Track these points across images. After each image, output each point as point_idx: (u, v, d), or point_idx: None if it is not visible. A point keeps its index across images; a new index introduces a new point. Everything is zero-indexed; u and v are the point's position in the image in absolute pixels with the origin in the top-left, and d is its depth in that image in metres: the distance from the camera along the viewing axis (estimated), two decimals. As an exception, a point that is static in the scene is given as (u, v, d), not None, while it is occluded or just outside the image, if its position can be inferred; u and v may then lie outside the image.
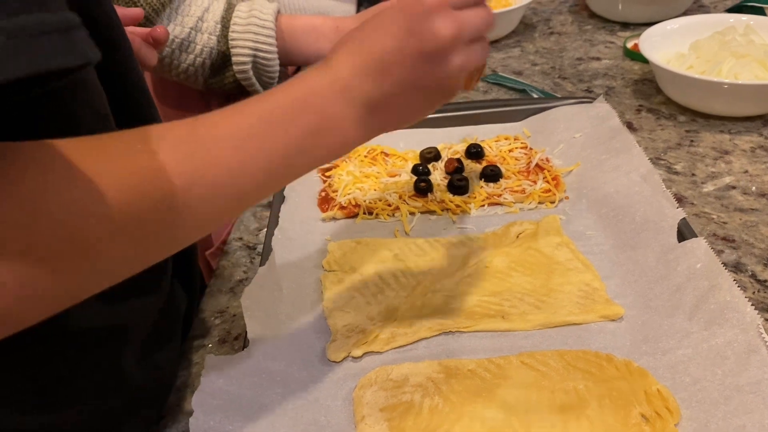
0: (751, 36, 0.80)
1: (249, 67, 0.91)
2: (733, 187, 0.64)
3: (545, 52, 0.97)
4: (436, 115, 0.77)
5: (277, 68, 0.93)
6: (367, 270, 0.57)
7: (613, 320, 0.51)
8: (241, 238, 0.65)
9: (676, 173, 0.68)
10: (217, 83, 0.93)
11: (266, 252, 0.56)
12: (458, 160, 0.69)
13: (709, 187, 0.65)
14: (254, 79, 0.92)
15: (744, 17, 0.83)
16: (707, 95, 0.74)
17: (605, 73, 0.89)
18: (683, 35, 0.84)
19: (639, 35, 0.96)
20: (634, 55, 0.92)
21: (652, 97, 0.82)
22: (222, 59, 0.90)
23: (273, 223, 0.61)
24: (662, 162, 0.69)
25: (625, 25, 1.03)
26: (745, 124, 0.74)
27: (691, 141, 0.72)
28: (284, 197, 0.64)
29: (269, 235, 0.59)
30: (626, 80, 0.87)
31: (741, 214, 0.61)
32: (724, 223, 0.60)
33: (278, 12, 0.93)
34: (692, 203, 0.63)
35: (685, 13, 1.02)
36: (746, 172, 0.66)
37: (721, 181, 0.66)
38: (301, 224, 0.63)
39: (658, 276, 0.53)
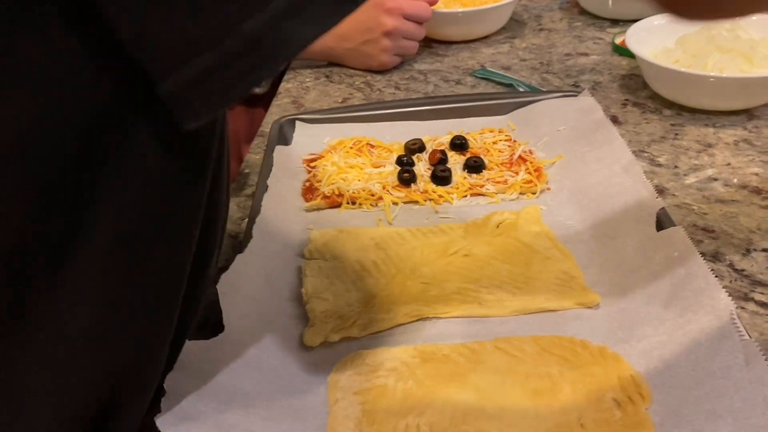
0: (737, 31, 0.80)
1: (238, 60, 0.91)
2: (715, 179, 0.65)
3: (534, 48, 0.97)
4: (422, 107, 0.77)
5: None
6: (347, 257, 0.57)
7: (590, 307, 0.51)
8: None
9: (659, 165, 0.68)
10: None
11: (246, 239, 0.56)
12: (442, 152, 0.69)
13: (691, 179, 0.65)
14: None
15: (730, 12, 0.83)
16: (693, 89, 0.74)
17: (593, 68, 0.89)
18: (670, 30, 0.84)
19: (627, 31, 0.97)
20: (622, 51, 0.92)
21: (638, 92, 0.82)
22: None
23: (255, 211, 0.61)
24: (645, 154, 0.70)
25: (615, 22, 1.03)
26: (730, 118, 0.74)
27: (676, 134, 0.73)
28: (267, 186, 0.65)
29: (250, 223, 0.59)
30: (613, 75, 0.87)
31: (721, 206, 0.61)
32: (705, 214, 0.60)
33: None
34: (673, 194, 0.63)
35: (674, 10, 1.02)
36: (729, 164, 0.67)
37: (703, 173, 0.66)
38: (284, 213, 0.64)
39: (635, 265, 0.53)
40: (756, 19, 0.81)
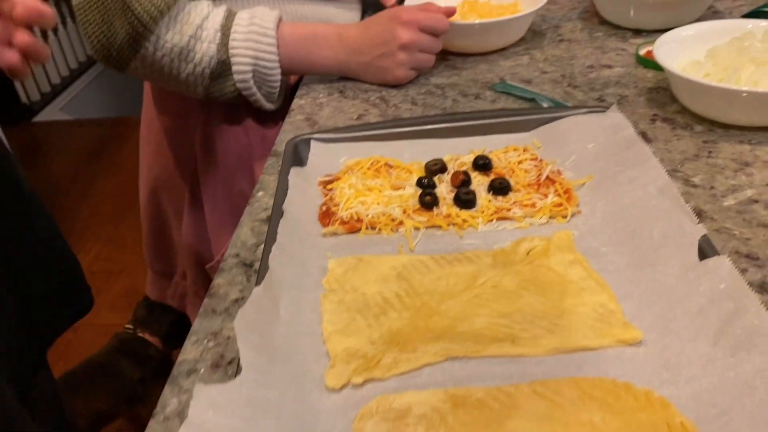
0: (770, 42, 0.77)
1: (250, 76, 0.88)
2: (756, 201, 0.61)
3: (555, 60, 0.94)
4: (442, 125, 0.74)
5: (279, 77, 0.91)
6: (368, 289, 0.54)
7: (631, 345, 0.47)
8: (237, 255, 0.62)
9: (695, 186, 0.64)
10: (218, 92, 0.91)
11: (263, 270, 0.53)
12: (465, 173, 0.66)
13: (729, 201, 0.62)
14: (255, 89, 0.90)
15: (763, 23, 0.80)
16: (725, 104, 0.71)
17: (617, 81, 0.86)
18: (699, 42, 0.80)
19: (652, 42, 0.93)
20: (648, 63, 0.89)
21: (667, 106, 0.79)
22: (222, 68, 0.88)
23: (271, 239, 0.58)
24: (679, 174, 0.66)
25: (637, 32, 1.00)
26: (766, 135, 0.70)
27: (710, 152, 0.69)
28: (283, 212, 0.61)
29: (266, 251, 0.56)
30: (639, 89, 0.83)
31: (765, 230, 0.57)
32: (747, 239, 0.57)
33: (280, 19, 0.90)
34: (712, 218, 0.60)
35: (699, 20, 0.99)
36: (767, 185, 0.63)
37: (742, 194, 0.62)
38: (301, 240, 0.60)
39: (678, 297, 0.49)
40: (791, 29, 0.78)
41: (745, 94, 0.69)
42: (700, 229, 0.53)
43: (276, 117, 0.99)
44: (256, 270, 0.60)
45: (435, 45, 0.91)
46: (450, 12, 0.91)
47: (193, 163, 1.05)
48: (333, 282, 0.56)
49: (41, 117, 3.18)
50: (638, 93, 0.82)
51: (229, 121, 1.00)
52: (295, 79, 1.03)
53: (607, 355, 0.47)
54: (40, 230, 0.92)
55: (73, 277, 0.98)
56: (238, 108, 0.98)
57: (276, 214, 0.61)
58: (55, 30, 3.17)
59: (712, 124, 0.73)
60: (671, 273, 0.51)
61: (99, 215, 2.68)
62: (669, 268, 0.52)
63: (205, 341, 0.52)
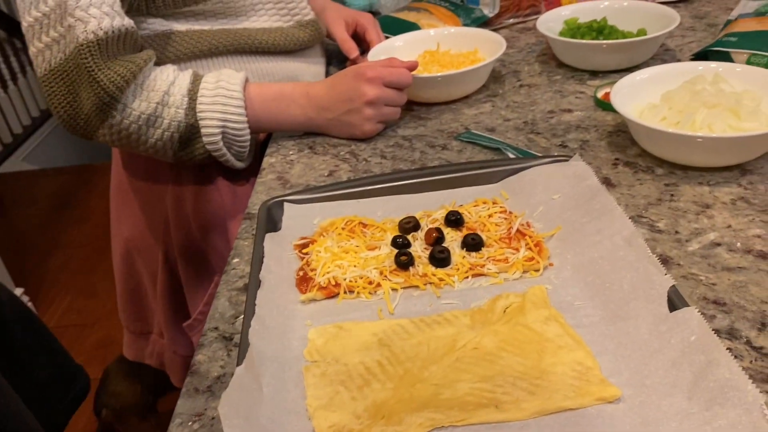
0: (720, 84, 0.80)
1: (219, 138, 0.89)
2: (718, 244, 0.63)
3: (516, 106, 0.96)
4: (412, 180, 0.76)
5: (248, 138, 0.92)
6: (350, 359, 0.55)
7: (610, 402, 0.49)
8: (216, 328, 0.62)
9: (659, 231, 0.66)
10: (187, 156, 0.91)
11: (243, 347, 0.54)
12: (438, 230, 0.67)
13: (694, 246, 0.64)
14: (225, 150, 0.91)
15: (713, 65, 0.83)
16: (683, 148, 0.74)
17: (578, 126, 0.89)
18: (654, 85, 0.84)
19: (609, 84, 0.97)
20: (606, 106, 0.92)
21: (627, 150, 0.81)
22: (191, 132, 0.88)
23: (249, 311, 0.58)
24: (644, 220, 0.68)
25: (594, 74, 1.03)
26: (724, 175, 0.73)
27: (671, 195, 0.71)
28: (260, 281, 0.62)
29: (246, 326, 0.56)
30: (600, 132, 0.86)
31: (729, 274, 0.60)
32: (713, 284, 0.59)
33: (246, 81, 0.91)
34: (679, 264, 0.62)
35: (652, 59, 1.03)
36: (729, 226, 0.65)
37: (705, 237, 0.65)
38: (279, 309, 0.61)
39: (651, 350, 0.51)
40: (739, 70, 0.82)
41: (699, 140, 0.72)
42: (668, 280, 0.55)
43: (247, 174, 1.00)
44: (236, 344, 0.60)
45: (400, 98, 0.93)
46: (412, 66, 0.93)
47: (166, 224, 1.04)
48: (314, 353, 0.56)
49: (4, 168, 3.13)
50: (599, 137, 0.85)
51: (199, 181, 1.00)
52: (264, 136, 1.04)
53: (588, 414, 0.48)
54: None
55: (62, 363, 0.98)
56: (208, 167, 0.98)
57: (253, 284, 0.62)
58: (14, 79, 3.14)
59: (672, 166, 0.76)
60: (643, 326, 0.53)
61: (69, 266, 2.64)
62: (641, 321, 0.53)
63: (190, 423, 0.52)
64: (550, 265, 0.63)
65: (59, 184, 3.24)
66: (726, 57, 0.92)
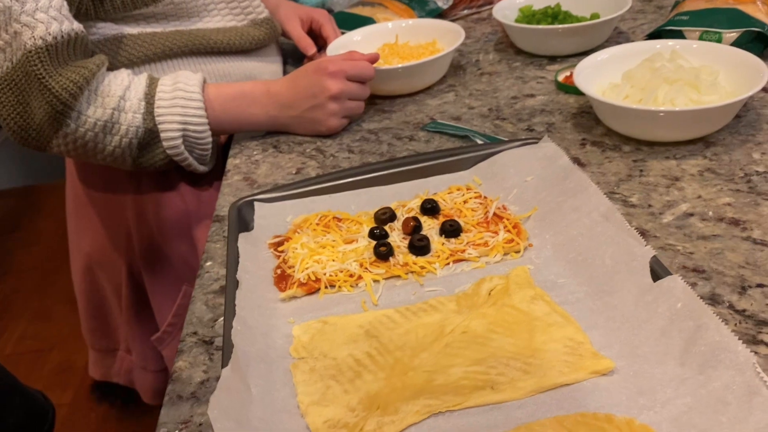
0: (678, 61, 0.81)
1: (180, 141, 0.86)
2: (691, 215, 0.64)
3: (479, 94, 0.97)
4: (383, 172, 0.75)
5: (210, 139, 0.89)
6: (339, 353, 0.53)
7: (605, 375, 0.48)
8: (195, 333, 0.60)
9: (633, 206, 0.67)
10: (147, 162, 0.88)
11: (227, 349, 0.52)
12: (415, 219, 0.66)
13: (668, 218, 0.65)
14: (186, 154, 0.88)
15: (670, 42, 0.85)
16: (648, 124, 0.75)
17: (542, 109, 0.89)
18: (614, 65, 0.85)
19: (568, 68, 0.98)
20: (567, 88, 0.93)
21: (593, 130, 0.82)
22: (150, 137, 0.86)
23: (230, 312, 0.56)
24: (617, 196, 0.69)
25: (553, 59, 1.04)
26: (689, 148, 0.75)
27: (641, 171, 0.72)
28: (238, 281, 0.60)
29: (227, 328, 0.54)
30: (565, 115, 0.87)
31: (705, 242, 0.60)
32: (691, 253, 0.60)
33: (204, 81, 0.89)
34: (655, 236, 0.62)
35: (607, 42, 1.04)
36: (699, 197, 0.67)
37: (678, 209, 0.65)
38: (260, 309, 0.59)
39: (639, 320, 0.51)
40: (695, 46, 0.83)
41: (662, 114, 0.73)
42: (649, 251, 0.55)
43: (210, 177, 0.98)
44: (218, 347, 0.58)
45: (363, 92, 0.92)
46: (374, 58, 0.93)
47: (128, 235, 1.01)
48: (301, 350, 0.54)
49: (-55, 195, 3.00)
50: (564, 119, 0.86)
51: (161, 188, 0.97)
52: (225, 138, 1.02)
53: (584, 388, 0.48)
54: None
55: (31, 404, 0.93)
56: (169, 173, 0.95)
57: (231, 285, 0.60)
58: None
59: (638, 143, 0.77)
60: (629, 298, 0.53)
61: (21, 291, 2.54)
62: (626, 293, 0.54)
63: (177, 431, 0.50)
64: (530, 245, 0.63)
65: (5, 207, 3.12)
66: (679, 35, 0.94)
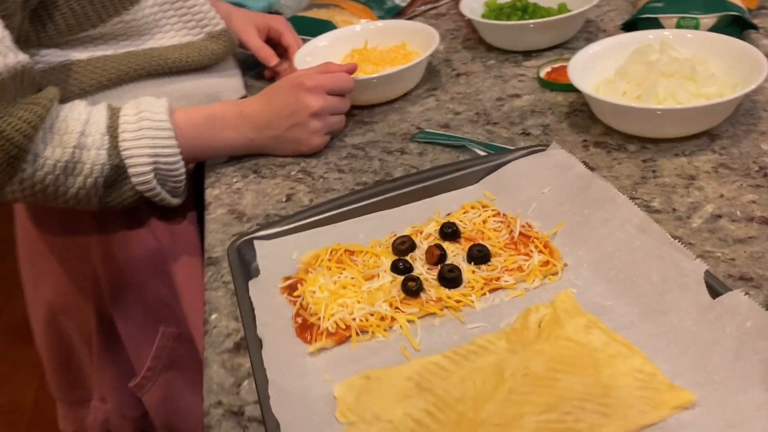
0: (668, 52, 0.80)
1: (151, 177, 0.79)
2: (719, 216, 0.62)
3: (462, 98, 0.92)
4: (386, 195, 0.70)
5: (183, 170, 0.82)
6: (393, 413, 0.48)
7: (687, 408, 0.46)
8: (219, 402, 0.54)
9: (657, 211, 0.65)
10: (115, 201, 0.80)
11: (270, 426, 0.46)
12: (439, 246, 0.62)
13: (696, 221, 0.63)
14: (159, 188, 0.80)
15: (666, 32, 0.83)
16: (654, 122, 0.73)
17: (532, 110, 0.86)
18: (604, 59, 0.82)
19: (548, 63, 0.95)
20: (553, 86, 0.90)
21: (591, 129, 0.79)
22: (117, 174, 0.78)
23: (261, 379, 0.50)
24: (637, 201, 0.66)
25: (526, 53, 1.01)
26: (695, 143, 0.73)
27: (653, 171, 0.70)
28: (260, 339, 0.54)
29: (264, 398, 0.49)
30: (557, 115, 0.84)
31: (743, 246, 0.59)
32: (732, 259, 0.58)
33: (170, 107, 0.81)
34: (690, 243, 0.60)
35: (579, 33, 1.02)
36: (722, 196, 0.65)
37: (704, 211, 0.64)
38: (289, 368, 0.53)
39: (706, 343, 0.49)
40: (691, 36, 0.82)
41: (672, 111, 0.71)
42: (700, 265, 0.53)
43: (181, 209, 0.90)
44: (251, 418, 0.52)
45: (344, 105, 0.86)
46: (351, 69, 0.87)
47: (94, 278, 0.92)
48: (348, 413, 0.49)
49: None
50: (558, 119, 0.83)
51: (129, 225, 0.88)
52: (192, 165, 0.94)
53: (669, 427, 0.45)
54: None
55: None
56: (137, 208, 0.87)
57: (254, 345, 0.54)
58: None
59: (641, 141, 0.75)
60: (688, 318, 0.51)
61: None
62: (683, 313, 0.51)
63: None
64: (565, 265, 0.60)
65: None
66: (655, 23, 0.93)
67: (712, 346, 0.48)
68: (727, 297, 0.49)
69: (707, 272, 0.52)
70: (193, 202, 0.92)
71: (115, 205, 0.80)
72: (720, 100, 0.69)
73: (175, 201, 0.84)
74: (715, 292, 0.51)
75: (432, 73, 1.00)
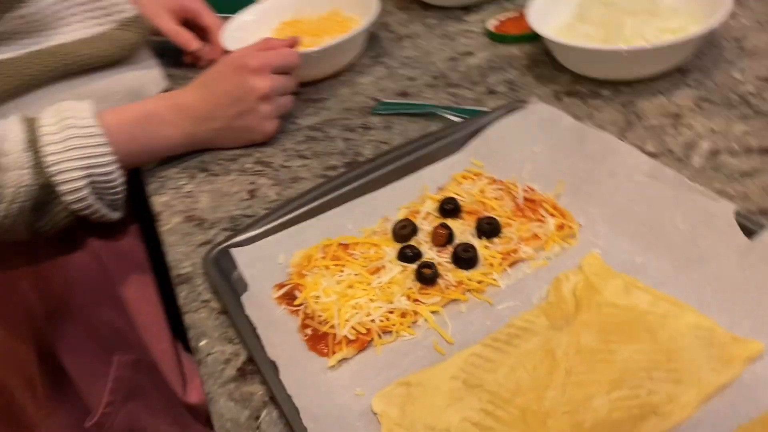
0: (624, -11, 0.77)
1: (86, 192, 0.69)
2: (717, 151, 0.61)
3: (412, 62, 0.87)
4: (366, 178, 0.64)
5: (122, 179, 0.72)
6: (449, 420, 0.43)
7: (755, 360, 0.43)
8: (239, 442, 0.47)
9: (654, 155, 0.62)
10: (47, 225, 0.69)
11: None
12: (444, 225, 0.56)
13: (697, 160, 0.60)
14: (97, 204, 0.70)
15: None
16: (626, 63, 0.70)
17: (490, 66, 0.81)
18: (559, 3, 0.79)
19: (492, 15, 0.91)
20: (504, 38, 0.86)
21: (558, 78, 0.76)
22: (46, 195, 0.67)
23: (290, 409, 0.44)
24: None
25: (465, 9, 0.96)
26: (668, 80, 0.71)
27: (636, 115, 0.67)
28: (274, 363, 0.47)
29: (300, 430, 0.42)
30: (519, 68, 0.80)
31: (752, 180, 0.57)
32: (746, 194, 0.56)
33: (96, 110, 0.71)
34: (699, 184, 0.58)
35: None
36: (713, 131, 0.63)
37: (701, 148, 0.61)
38: (316, 390, 0.47)
39: (755, 287, 0.46)
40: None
41: (642, 50, 0.68)
42: (728, 205, 0.50)
43: (123, 222, 0.79)
44: (283, 453, 0.45)
45: (292, 84, 0.78)
46: (293, 42, 0.79)
47: (29, 314, 0.80)
48: (396, 429, 0.43)
49: None
50: (521, 73, 0.79)
51: (64, 249, 0.77)
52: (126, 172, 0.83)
53: (745, 383, 0.42)
54: None
55: None
56: (70, 227, 0.76)
57: (266, 369, 0.47)
58: None
59: (613, 85, 0.72)
60: (729, 263, 0.48)
61: None
62: (724, 258, 0.48)
63: None
64: (580, 225, 0.56)
65: None
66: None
67: (761, 289, 0.46)
68: (766, 235, 0.47)
69: (737, 211, 0.49)
70: (133, 213, 0.82)
71: (47, 231, 0.70)
72: (694, 35, 0.67)
73: (116, 215, 0.74)
74: (749, 231, 0.48)
75: (373, 40, 0.93)
